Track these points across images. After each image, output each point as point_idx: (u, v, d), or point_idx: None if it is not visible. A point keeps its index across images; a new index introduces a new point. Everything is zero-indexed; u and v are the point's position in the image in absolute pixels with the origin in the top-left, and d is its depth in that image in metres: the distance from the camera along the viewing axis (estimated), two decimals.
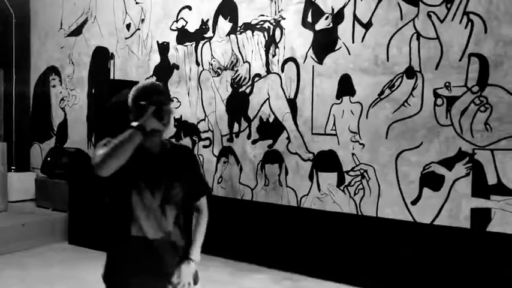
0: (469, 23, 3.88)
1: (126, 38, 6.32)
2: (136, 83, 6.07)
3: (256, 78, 5.11)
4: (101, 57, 6.64)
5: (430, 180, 4.07)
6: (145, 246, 2.16)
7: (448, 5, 3.96)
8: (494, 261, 3.79)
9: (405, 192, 4.20)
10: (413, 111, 4.15)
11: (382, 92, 4.31)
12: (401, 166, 4.22)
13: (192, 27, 5.63)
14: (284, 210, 4.93)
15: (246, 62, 5.18)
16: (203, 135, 5.56)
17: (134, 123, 2.05)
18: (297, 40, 4.81)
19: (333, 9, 4.58)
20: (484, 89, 3.82)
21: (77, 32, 6.90)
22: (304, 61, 4.77)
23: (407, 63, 4.16)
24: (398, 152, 4.23)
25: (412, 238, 4.19)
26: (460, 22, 3.92)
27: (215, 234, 5.44)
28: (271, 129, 5.02)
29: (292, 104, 4.87)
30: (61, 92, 7.18)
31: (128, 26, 6.29)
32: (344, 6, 4.51)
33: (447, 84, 3.98)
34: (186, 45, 5.69)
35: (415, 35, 4.13)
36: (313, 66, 4.72)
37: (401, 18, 4.19)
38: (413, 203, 4.16)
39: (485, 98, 3.81)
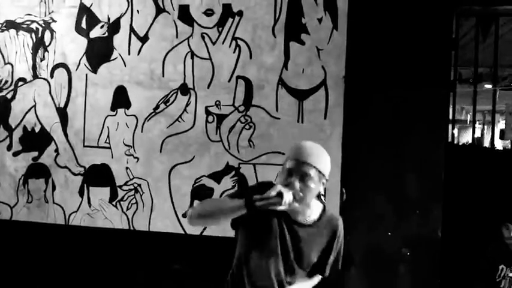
0: (237, 48, 4.22)
1: None
2: None
3: (21, 83, 4.58)
4: None
5: (201, 193, 4.25)
6: None
7: (220, 29, 4.24)
8: None
9: (177, 205, 4.29)
10: (187, 126, 4.29)
11: (157, 107, 4.34)
12: (174, 179, 4.30)
13: None
14: (50, 229, 4.50)
15: (9, 63, 4.61)
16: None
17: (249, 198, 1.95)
18: (70, 45, 4.51)
19: (109, 18, 4.44)
20: (249, 109, 4.19)
21: None
22: (77, 68, 4.49)
23: (182, 80, 4.30)
24: (171, 166, 4.31)
25: (182, 250, 4.29)
26: (230, 46, 4.24)
27: None
28: (36, 139, 4.55)
29: (62, 113, 4.51)
30: None
31: None
32: (121, 17, 4.42)
33: (217, 102, 4.24)
34: None
35: (190, 53, 4.29)
36: (86, 74, 4.48)
37: (177, 36, 4.32)
38: (185, 215, 4.27)
39: (249, 117, 4.19)
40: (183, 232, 4.26)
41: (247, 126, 4.20)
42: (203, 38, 4.28)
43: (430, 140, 3.93)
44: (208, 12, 4.26)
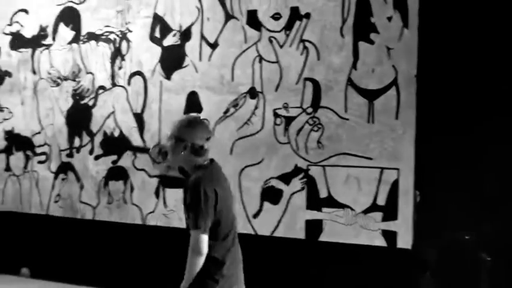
0: (305, 50, 4.24)
1: None
2: None
3: (101, 91, 4.89)
4: None
5: (270, 194, 4.31)
6: None
7: (287, 32, 4.28)
8: (324, 269, 4.13)
9: (247, 206, 4.37)
10: (255, 129, 4.37)
11: (227, 110, 4.46)
12: (244, 181, 4.39)
13: (28, 32, 5.19)
14: (128, 229, 4.75)
15: (90, 73, 4.94)
16: (38, 150, 5.11)
17: None
18: (145, 54, 4.75)
19: (181, 27, 4.63)
20: (317, 111, 4.19)
21: None
22: (152, 76, 4.72)
23: (251, 84, 4.38)
24: (241, 168, 4.40)
25: (253, 250, 4.35)
26: (297, 48, 4.27)
27: (51, 257, 5.03)
28: (116, 144, 4.83)
29: (139, 118, 4.76)
30: None
31: None
32: (192, 25, 4.59)
33: (285, 105, 4.28)
34: (21, 51, 5.22)
35: (258, 57, 4.37)
36: (161, 81, 4.69)
37: (246, 41, 4.41)
38: (255, 216, 4.35)
39: (317, 119, 4.19)
40: (253, 232, 4.33)
41: (315, 128, 4.20)
42: (271, 41, 4.34)
43: (510, 140, 3.72)
44: (276, 16, 4.31)
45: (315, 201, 4.16)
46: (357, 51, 4.08)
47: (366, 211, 4.01)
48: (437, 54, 3.88)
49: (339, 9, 4.13)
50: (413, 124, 3.90)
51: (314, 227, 4.15)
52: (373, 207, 4.00)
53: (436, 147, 3.88)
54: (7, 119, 5.25)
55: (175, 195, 4.60)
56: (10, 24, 5.28)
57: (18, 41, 5.24)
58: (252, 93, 4.38)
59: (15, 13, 5.26)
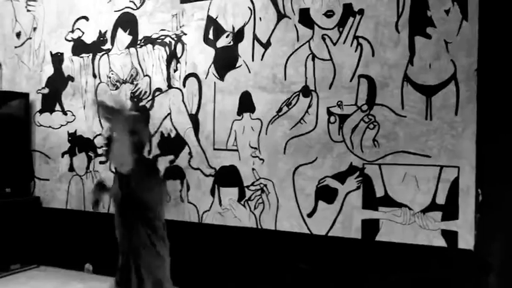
0: (359, 47, 4.18)
1: (15, 47, 5.90)
2: (26, 95, 5.61)
3: (157, 93, 5.04)
4: None
5: (325, 194, 4.28)
6: None
7: (340, 29, 4.24)
8: (382, 269, 4.06)
9: (302, 205, 4.37)
10: (308, 128, 4.35)
11: (280, 109, 4.47)
12: (298, 180, 4.39)
13: (89, 38, 5.42)
14: (185, 227, 4.87)
15: (147, 75, 5.10)
16: (100, 151, 5.33)
17: None
18: (199, 56, 4.84)
19: (233, 28, 4.68)
20: (372, 108, 4.12)
21: None
22: (206, 77, 4.81)
23: (303, 82, 4.37)
24: (295, 167, 4.40)
25: (308, 250, 4.35)
26: (351, 45, 4.22)
27: (113, 254, 5.23)
28: (172, 144, 4.96)
29: (194, 119, 4.86)
30: None
31: (18, 35, 5.89)
32: (244, 25, 4.63)
33: (339, 103, 4.24)
34: (82, 57, 5.46)
35: (311, 56, 4.35)
36: (214, 82, 4.77)
37: (298, 40, 4.40)
38: (310, 215, 4.33)
39: (373, 116, 4.12)
40: (308, 232, 4.32)
41: (371, 126, 4.13)
42: (324, 39, 4.30)
43: None
44: (329, 14, 4.28)
45: (371, 201, 4.09)
46: (413, 46, 3.97)
47: (425, 210, 3.91)
48: (500, 47, 3.71)
49: (393, 4, 4.04)
50: (475, 120, 3.75)
51: (370, 227, 4.09)
52: (432, 207, 3.89)
53: (498, 143, 3.72)
54: (70, 122, 5.51)
55: (230, 194, 4.67)
56: (72, 31, 5.54)
57: (79, 47, 5.49)
58: (305, 91, 4.37)
59: (76, 20, 5.51)
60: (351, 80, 4.19)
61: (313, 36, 4.34)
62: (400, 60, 4.01)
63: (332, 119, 4.27)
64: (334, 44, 4.26)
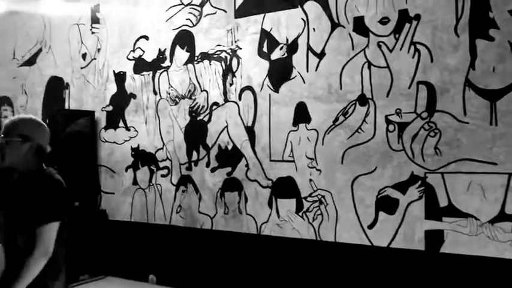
0: (416, 53, 4.08)
1: (81, 68, 6.25)
2: (92, 112, 5.92)
3: (214, 107, 5.15)
4: (56, 87, 6.53)
5: (385, 204, 4.17)
6: None
7: (396, 35, 4.15)
8: (447, 282, 3.89)
9: (362, 216, 4.28)
10: (366, 137, 4.28)
11: (336, 119, 4.43)
12: (357, 190, 4.31)
13: (149, 56, 5.65)
14: (244, 238, 4.91)
15: (204, 90, 5.22)
16: (161, 164, 5.51)
17: None
18: (254, 69, 4.91)
19: (287, 40, 4.71)
20: (433, 115, 3.99)
21: (31, 61, 6.78)
22: (261, 89, 4.86)
23: (360, 91, 4.31)
24: (354, 177, 4.33)
25: (369, 262, 4.25)
26: (408, 51, 4.12)
27: (174, 265, 5.37)
28: (230, 156, 5.04)
29: (250, 131, 4.92)
30: None
31: (84, 56, 6.23)
32: (298, 37, 4.65)
33: (398, 110, 4.14)
34: (143, 75, 5.69)
35: (366, 64, 4.29)
36: (269, 94, 4.81)
37: (353, 48, 4.36)
38: (370, 226, 4.24)
39: (434, 124, 3.98)
40: (369, 244, 4.23)
41: (432, 133, 3.99)
42: (379, 46, 4.23)
43: None
44: (384, 21, 4.21)
45: (434, 211, 3.94)
46: (475, 50, 3.82)
47: (493, 221, 3.71)
48: None
49: (452, 7, 3.92)
50: None
51: (434, 238, 3.94)
52: (501, 217, 3.69)
53: None
54: (133, 137, 5.74)
55: (287, 206, 4.67)
56: (133, 51, 5.79)
57: (140, 65, 5.73)
58: (362, 100, 4.31)
59: (137, 40, 5.75)
60: (409, 87, 4.09)
61: (368, 44, 4.29)
62: (460, 65, 3.87)
63: (391, 127, 4.17)
64: (391, 51, 4.18)
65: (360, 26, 4.32)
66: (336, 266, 4.40)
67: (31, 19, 6.68)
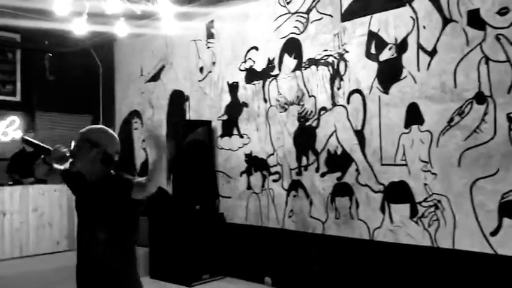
0: None
1: (199, 81, 6.69)
2: (209, 122, 6.29)
3: (322, 112, 5.17)
4: (178, 99, 7.07)
5: (510, 209, 3.84)
6: None
7: None
8: None
9: (483, 222, 3.98)
10: (486, 137, 3.98)
11: (451, 120, 4.19)
12: (477, 195, 4.02)
13: (259, 66, 5.86)
14: (356, 244, 4.85)
15: (312, 96, 5.28)
16: (272, 170, 5.67)
17: None
18: (362, 72, 4.84)
19: (396, 40, 4.58)
20: None
21: (155, 77, 7.42)
22: (370, 92, 4.77)
23: (477, 88, 4.03)
24: (472, 181, 4.05)
25: (493, 271, 3.93)
26: None
27: (288, 268, 5.48)
28: (339, 161, 5.02)
29: (359, 135, 4.86)
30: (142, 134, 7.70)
31: (201, 69, 6.67)
32: (407, 36, 4.49)
33: None
34: (254, 84, 5.92)
35: (484, 59, 4.00)
36: (379, 96, 4.71)
37: (468, 44, 4.10)
38: (493, 233, 3.93)
39: None
40: (492, 252, 3.92)
41: None
42: (498, 39, 3.93)
43: None
44: (503, 12, 3.89)
45: None
46: None
47: None
48: None
49: None
50: None
51: None
52: None
53: None
54: (246, 144, 6.00)
55: (401, 211, 4.51)
56: (244, 62, 6.06)
57: (251, 75, 5.97)
58: (480, 98, 4.02)
59: (248, 51, 6.01)
60: None
61: (485, 38, 4.00)
62: None
63: None
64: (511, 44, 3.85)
65: (474, 20, 4.04)
66: (455, 274, 4.14)
67: (155, 39, 7.32)
